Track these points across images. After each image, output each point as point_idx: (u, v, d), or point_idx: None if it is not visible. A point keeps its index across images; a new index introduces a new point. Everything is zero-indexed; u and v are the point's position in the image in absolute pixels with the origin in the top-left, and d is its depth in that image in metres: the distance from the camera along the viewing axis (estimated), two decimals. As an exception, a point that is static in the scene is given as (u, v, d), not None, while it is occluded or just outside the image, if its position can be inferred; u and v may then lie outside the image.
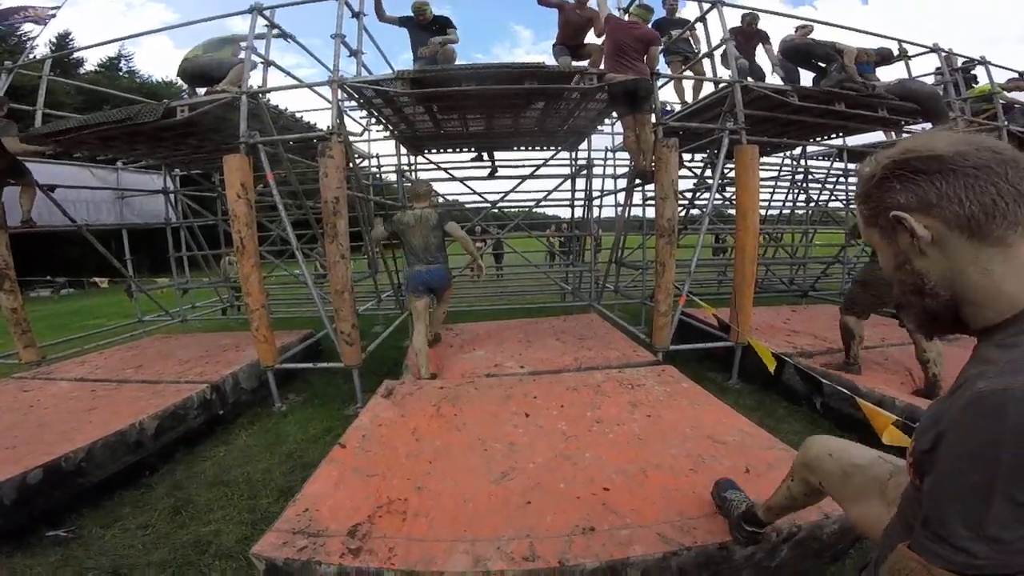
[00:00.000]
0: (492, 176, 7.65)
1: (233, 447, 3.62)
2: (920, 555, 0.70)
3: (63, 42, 24.14)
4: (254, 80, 4.59)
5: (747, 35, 5.57)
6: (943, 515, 0.68)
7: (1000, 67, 6.07)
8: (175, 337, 6.25)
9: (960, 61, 6.18)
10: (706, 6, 4.69)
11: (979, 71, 6.45)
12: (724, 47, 4.56)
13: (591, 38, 4.87)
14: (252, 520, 2.63)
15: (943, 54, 5.78)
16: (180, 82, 5.79)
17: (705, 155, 6.82)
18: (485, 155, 7.60)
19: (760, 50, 5.82)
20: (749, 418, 3.06)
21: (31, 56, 6.05)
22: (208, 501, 2.86)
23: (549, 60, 4.79)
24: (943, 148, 0.76)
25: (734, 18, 4.83)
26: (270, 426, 3.98)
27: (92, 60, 27.66)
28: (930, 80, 6.54)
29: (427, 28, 4.74)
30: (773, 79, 5.60)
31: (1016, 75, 6.46)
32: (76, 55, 25.37)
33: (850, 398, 3.30)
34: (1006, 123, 5.76)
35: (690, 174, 7.29)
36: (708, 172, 6.61)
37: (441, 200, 7.94)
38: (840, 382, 3.57)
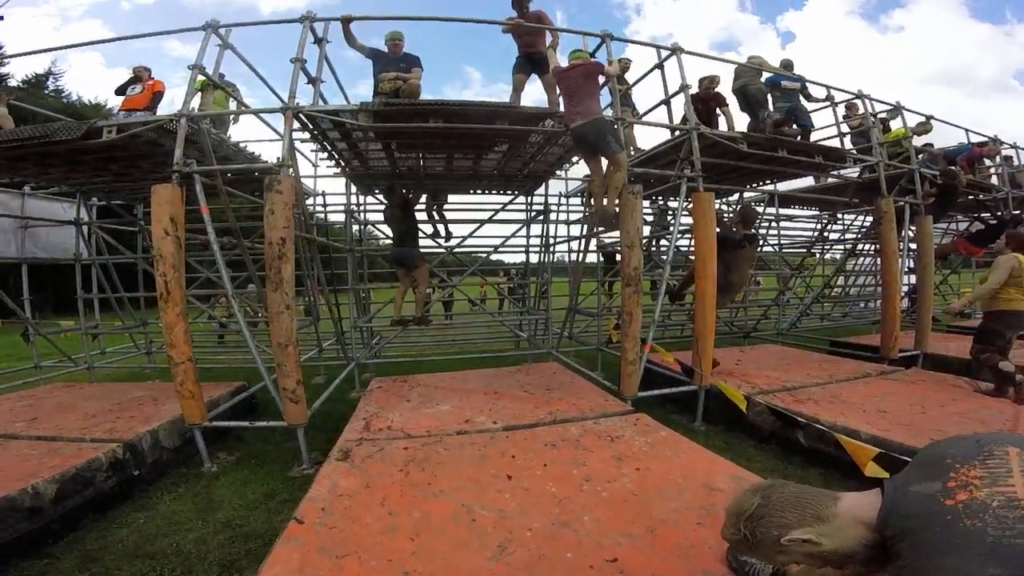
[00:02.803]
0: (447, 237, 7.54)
1: (155, 513, 3.09)
2: None
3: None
4: (196, 103, 4.21)
5: (703, 100, 5.59)
6: None
7: (913, 112, 6.69)
8: (79, 387, 5.44)
9: (879, 107, 6.61)
10: (665, 53, 4.84)
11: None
12: (682, 93, 4.68)
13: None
14: (193, 600, 2.20)
15: (866, 99, 6.24)
16: (110, 104, 5.32)
17: (651, 202, 7.01)
18: (436, 217, 7.49)
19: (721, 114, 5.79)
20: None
21: None
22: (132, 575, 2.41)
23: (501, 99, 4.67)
24: (757, 498, 1.28)
25: (690, 65, 4.91)
26: (199, 490, 3.43)
27: (18, 76, 25.03)
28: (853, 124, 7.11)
29: (394, 63, 4.55)
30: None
31: (924, 119, 7.08)
32: (1, 71, 22.98)
33: (821, 434, 3.35)
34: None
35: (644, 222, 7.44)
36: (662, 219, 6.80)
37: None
38: (808, 418, 3.64)
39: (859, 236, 8.52)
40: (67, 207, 6.55)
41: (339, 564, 1.91)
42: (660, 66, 4.96)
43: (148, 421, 3.87)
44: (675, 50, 4.78)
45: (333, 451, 3.16)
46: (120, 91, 5.47)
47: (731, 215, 5.31)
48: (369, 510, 2.37)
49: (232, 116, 6.72)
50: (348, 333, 6.60)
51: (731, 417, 4.25)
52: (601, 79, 4.32)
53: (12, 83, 23.25)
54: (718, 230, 5.26)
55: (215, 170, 3.97)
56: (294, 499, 2.88)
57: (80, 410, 4.26)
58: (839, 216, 9.30)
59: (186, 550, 2.61)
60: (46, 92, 24.60)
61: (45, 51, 5.52)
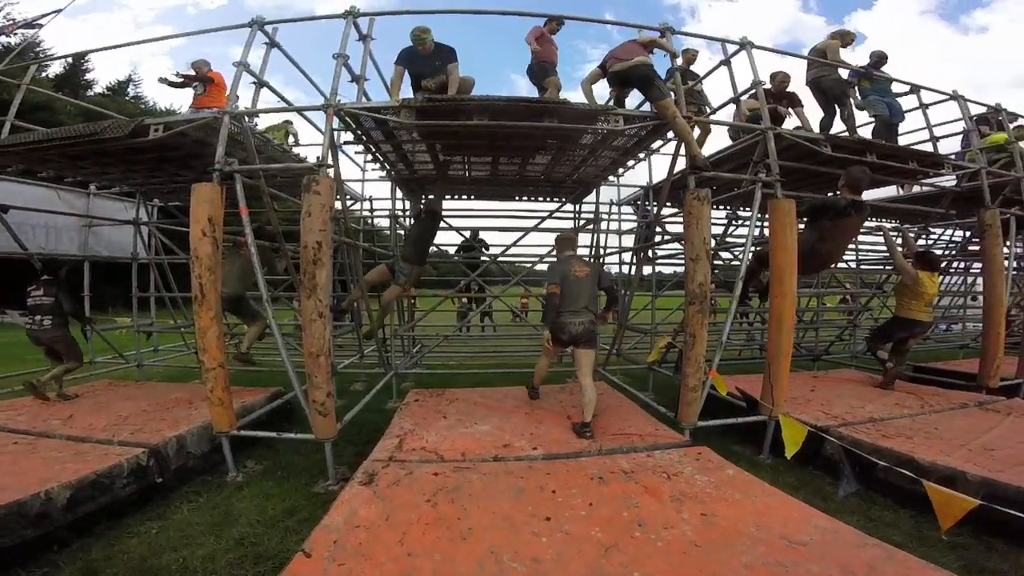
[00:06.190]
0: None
1: (170, 523, 2.93)
2: None
3: (78, 60, 23.88)
4: (241, 101, 4.15)
5: (776, 97, 5.12)
6: None
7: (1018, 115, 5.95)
8: (123, 385, 5.49)
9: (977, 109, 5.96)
10: (732, 48, 4.41)
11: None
12: (755, 91, 4.25)
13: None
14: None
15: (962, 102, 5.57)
16: (183, 108, 5.46)
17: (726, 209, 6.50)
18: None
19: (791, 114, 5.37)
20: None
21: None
22: (128, 592, 2.24)
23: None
24: None
25: (760, 61, 4.46)
26: (219, 501, 3.26)
27: (102, 82, 27.35)
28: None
29: (428, 61, 4.29)
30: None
31: None
32: (87, 76, 25.28)
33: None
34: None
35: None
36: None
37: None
38: (895, 458, 3.17)
39: (951, 251, 7.61)
40: (128, 207, 6.76)
41: (340, 617, 1.62)
42: (727, 62, 4.53)
43: (177, 425, 3.76)
44: (744, 44, 4.33)
45: (358, 472, 2.91)
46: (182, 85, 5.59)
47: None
48: (386, 548, 2.07)
49: (294, 140, 6.89)
50: (389, 340, 6.42)
51: (803, 450, 3.72)
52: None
53: (97, 88, 25.35)
54: (820, 197, 4.75)
55: (255, 169, 3.85)
56: (314, 518, 2.68)
57: (115, 410, 4.23)
58: (929, 229, 8.36)
59: (192, 567, 2.42)
60: (127, 98, 26.44)
61: (103, 49, 5.78)
